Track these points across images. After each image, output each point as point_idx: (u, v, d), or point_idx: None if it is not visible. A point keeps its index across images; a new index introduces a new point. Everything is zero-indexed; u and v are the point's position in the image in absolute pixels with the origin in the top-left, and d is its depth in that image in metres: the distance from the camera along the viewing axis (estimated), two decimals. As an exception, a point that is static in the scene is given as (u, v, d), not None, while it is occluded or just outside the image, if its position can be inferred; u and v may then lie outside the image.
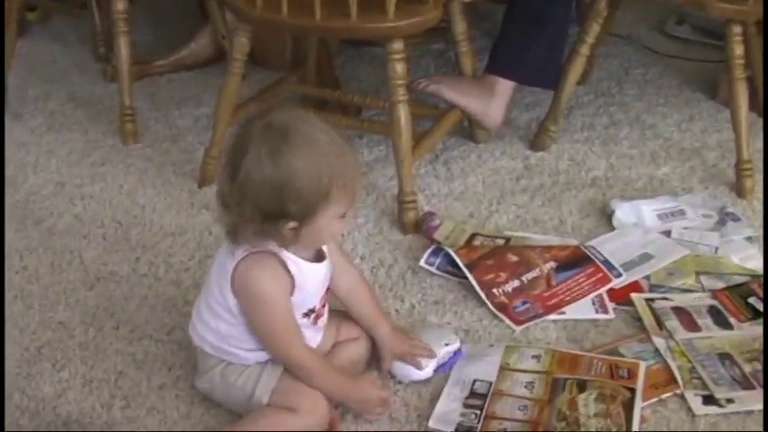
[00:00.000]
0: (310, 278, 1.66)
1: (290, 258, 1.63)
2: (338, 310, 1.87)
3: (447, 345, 1.84)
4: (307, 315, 1.70)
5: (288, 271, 1.62)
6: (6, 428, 1.72)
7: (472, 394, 1.76)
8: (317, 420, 1.66)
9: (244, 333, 1.68)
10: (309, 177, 1.54)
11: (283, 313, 1.64)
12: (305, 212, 1.56)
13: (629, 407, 1.70)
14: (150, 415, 1.76)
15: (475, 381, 1.79)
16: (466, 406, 1.73)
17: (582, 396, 1.73)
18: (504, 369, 1.82)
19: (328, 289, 1.75)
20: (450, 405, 1.74)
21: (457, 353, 1.84)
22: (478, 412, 1.71)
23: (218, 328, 1.70)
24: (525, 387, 1.77)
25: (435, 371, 1.81)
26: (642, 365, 1.79)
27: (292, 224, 1.57)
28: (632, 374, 1.77)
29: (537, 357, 1.84)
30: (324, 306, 1.75)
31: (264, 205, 1.55)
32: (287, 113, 1.61)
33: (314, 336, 1.74)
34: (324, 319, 1.76)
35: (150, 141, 2.74)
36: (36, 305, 2.06)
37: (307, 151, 1.55)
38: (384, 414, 1.74)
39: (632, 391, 1.73)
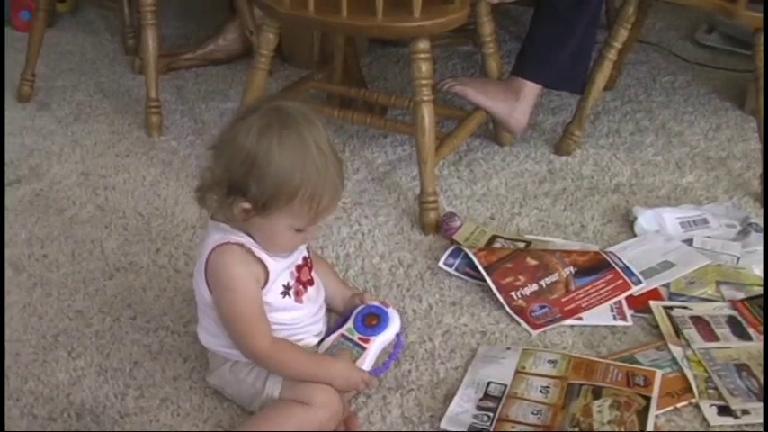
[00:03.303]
0: (279, 264, 1.65)
1: (257, 247, 1.62)
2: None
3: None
4: (285, 293, 1.68)
5: (257, 258, 1.62)
6: (19, 413, 1.73)
7: (486, 396, 1.75)
8: (331, 414, 1.64)
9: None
10: (281, 169, 1.54)
11: (250, 300, 1.62)
12: (263, 201, 1.55)
13: (643, 415, 1.69)
14: (163, 406, 1.76)
15: (490, 383, 1.78)
16: (479, 408, 1.73)
17: (596, 403, 1.71)
18: (519, 372, 1.81)
19: (305, 267, 1.72)
20: (463, 406, 1.73)
21: (398, 343, 1.78)
22: (491, 414, 1.71)
23: (208, 327, 1.71)
24: (540, 391, 1.76)
25: (376, 370, 1.75)
26: (659, 374, 1.78)
27: (246, 205, 1.56)
28: (648, 382, 1.76)
29: (553, 362, 1.83)
30: (306, 283, 1.72)
31: (233, 172, 1.56)
32: (301, 113, 1.60)
33: (302, 315, 1.72)
34: (311, 296, 1.73)
35: (175, 134, 2.75)
36: (55, 293, 2.06)
37: (292, 147, 1.55)
38: (362, 392, 1.75)
39: (647, 399, 1.72)
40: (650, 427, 1.66)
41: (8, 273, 2.12)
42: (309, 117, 1.60)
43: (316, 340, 1.75)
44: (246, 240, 1.61)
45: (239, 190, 1.56)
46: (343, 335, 1.75)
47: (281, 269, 1.65)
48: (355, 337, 1.74)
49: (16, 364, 1.85)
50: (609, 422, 1.67)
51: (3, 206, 2.36)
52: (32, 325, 1.97)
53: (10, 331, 1.94)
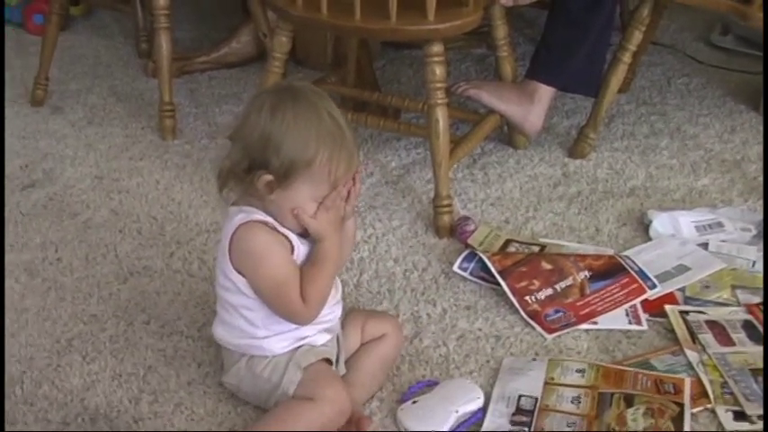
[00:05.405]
0: (303, 247, 1.67)
1: (280, 226, 1.64)
2: (361, 310, 1.90)
3: (469, 403, 1.73)
4: None
5: (282, 234, 1.64)
6: (33, 418, 1.74)
7: (519, 411, 1.73)
8: (337, 410, 1.65)
9: (254, 317, 1.68)
10: (297, 139, 1.58)
11: (284, 261, 1.64)
12: (283, 172, 1.58)
13: (678, 422, 1.68)
14: (177, 411, 1.76)
15: (520, 396, 1.76)
16: (513, 423, 1.70)
17: (630, 411, 1.70)
18: (548, 384, 1.79)
19: None
20: (496, 422, 1.71)
21: (477, 413, 1.73)
22: (526, 430, 1.69)
23: (229, 320, 1.71)
24: (572, 402, 1.74)
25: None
26: (687, 381, 1.77)
27: (268, 177, 1.59)
28: (678, 390, 1.75)
29: (581, 371, 1.82)
30: None
31: (251, 150, 1.60)
32: (310, 88, 1.67)
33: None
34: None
35: (189, 138, 2.75)
36: (69, 297, 2.07)
37: (305, 118, 1.59)
38: None
39: (680, 405, 1.71)
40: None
41: (22, 277, 2.12)
42: (319, 91, 1.67)
43: (325, 337, 1.73)
44: (269, 220, 1.64)
45: (260, 165, 1.59)
46: None
47: (304, 252, 1.67)
48: None
49: (30, 368, 1.85)
50: (645, 430, 1.66)
51: (2, 204, 2.37)
52: (46, 329, 1.97)
53: (24, 336, 1.94)
